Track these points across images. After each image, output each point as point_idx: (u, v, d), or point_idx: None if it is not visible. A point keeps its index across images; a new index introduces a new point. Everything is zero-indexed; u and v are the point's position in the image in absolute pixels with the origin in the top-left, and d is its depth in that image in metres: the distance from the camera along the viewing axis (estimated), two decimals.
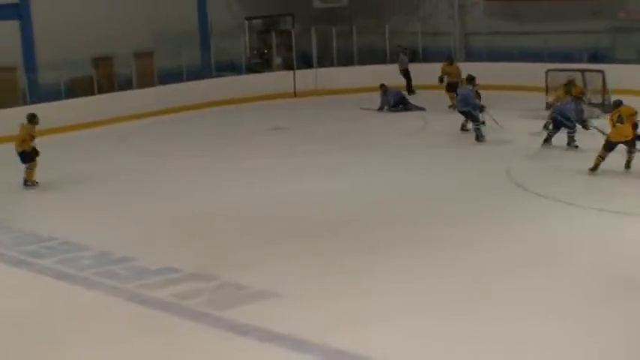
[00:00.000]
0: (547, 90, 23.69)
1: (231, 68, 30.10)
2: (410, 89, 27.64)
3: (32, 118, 17.73)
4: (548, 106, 21.50)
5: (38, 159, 17.52)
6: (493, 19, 30.44)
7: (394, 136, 21.15)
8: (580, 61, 26.09)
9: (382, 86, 25.09)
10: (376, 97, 24.99)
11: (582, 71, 23.23)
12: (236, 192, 16.35)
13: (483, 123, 20.22)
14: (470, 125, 20.61)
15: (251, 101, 27.51)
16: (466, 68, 24.23)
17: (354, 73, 28.99)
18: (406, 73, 28.00)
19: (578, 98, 19.63)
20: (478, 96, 20.99)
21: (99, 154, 20.44)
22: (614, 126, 16.08)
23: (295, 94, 28.79)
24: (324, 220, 14.04)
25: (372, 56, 29.98)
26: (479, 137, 20.05)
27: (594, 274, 10.86)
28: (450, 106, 24.05)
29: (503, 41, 29.51)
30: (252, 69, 30.75)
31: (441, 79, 25.24)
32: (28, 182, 17.56)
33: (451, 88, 24.34)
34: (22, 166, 17.51)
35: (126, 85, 27.02)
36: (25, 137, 17.51)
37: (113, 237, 13.67)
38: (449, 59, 25.82)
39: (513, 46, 29.05)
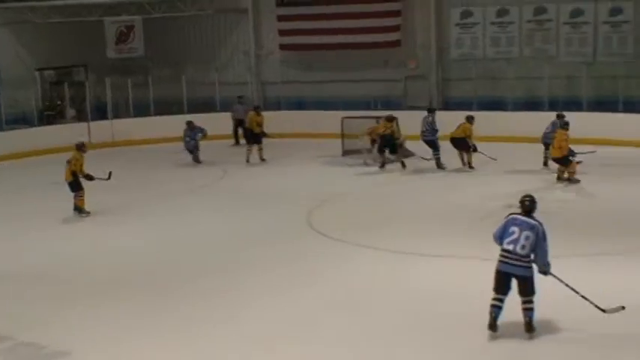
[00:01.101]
0: (343, 137, 24.14)
1: (22, 120, 29.08)
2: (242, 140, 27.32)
3: (81, 147, 18.19)
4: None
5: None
6: (290, 67, 30.87)
7: (193, 187, 20.85)
8: (374, 108, 26.79)
9: (189, 123, 24.33)
10: (174, 148, 24.65)
11: (377, 118, 23.80)
12: (29, 250, 15.57)
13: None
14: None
15: (43, 154, 26.53)
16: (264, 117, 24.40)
17: (150, 124, 28.57)
18: (240, 124, 27.29)
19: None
20: None
21: None
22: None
23: (90, 146, 27.99)
24: (123, 275, 13.50)
25: (168, 107, 29.75)
26: (440, 165, 21.54)
27: (393, 314, 10.95)
28: (247, 161, 23.70)
29: (300, 90, 30.01)
30: (44, 121, 29.82)
31: (250, 130, 24.39)
32: (82, 211, 17.78)
33: (256, 139, 24.09)
34: None
35: None
36: (69, 160, 17.84)
37: None
38: (257, 108, 25.22)
39: (310, 95, 29.57)
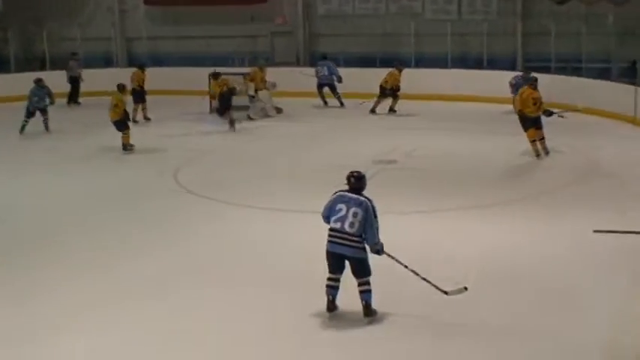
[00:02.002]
0: (210, 93, 23.84)
1: None
2: (74, 99, 26.72)
3: (122, 88, 19.39)
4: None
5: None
6: (155, 23, 30.34)
7: (51, 146, 20.14)
8: (241, 64, 26.57)
9: (38, 81, 22.23)
10: None
11: (243, 75, 23.61)
12: None
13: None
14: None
15: None
16: (127, 74, 23.74)
17: (11, 82, 27.46)
18: (74, 81, 26.85)
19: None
20: None
21: None
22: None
23: None
24: None
25: (30, 63, 28.84)
26: (342, 104, 24.24)
27: (264, 270, 10.81)
28: (134, 120, 22.12)
29: (166, 46, 29.55)
30: None
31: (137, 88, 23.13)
32: (127, 147, 18.89)
33: (142, 97, 23.10)
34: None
35: None
36: (116, 104, 18.88)
37: None
38: (141, 66, 23.95)
39: (176, 51, 29.15)
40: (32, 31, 30.23)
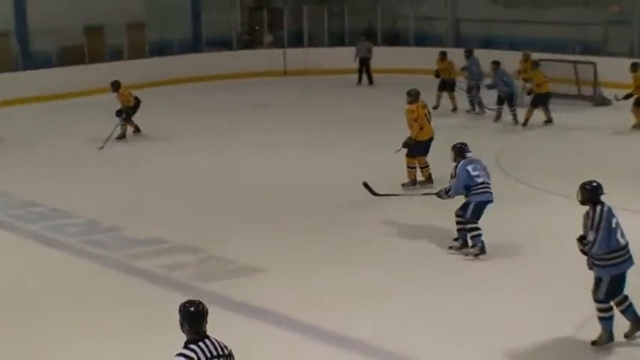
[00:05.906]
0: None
1: (221, 43, 29.91)
2: (368, 79, 27.04)
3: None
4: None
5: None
6: (485, 5, 30.12)
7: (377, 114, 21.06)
8: (572, 52, 25.98)
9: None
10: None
11: (574, 62, 23.18)
12: (219, 167, 16.40)
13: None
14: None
15: (240, 77, 27.32)
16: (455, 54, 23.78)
17: (344, 54, 28.58)
18: (363, 61, 26.96)
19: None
20: None
21: (88, 122, 20.40)
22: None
23: (285, 73, 28.68)
24: (305, 198, 14.09)
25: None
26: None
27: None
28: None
29: (494, 28, 29.35)
30: (242, 45, 30.58)
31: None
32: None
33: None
34: None
35: (116, 55, 26.83)
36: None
37: (101, 206, 13.70)
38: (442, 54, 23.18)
39: (504, 34, 28.87)
40: (367, 6, 31.08)
